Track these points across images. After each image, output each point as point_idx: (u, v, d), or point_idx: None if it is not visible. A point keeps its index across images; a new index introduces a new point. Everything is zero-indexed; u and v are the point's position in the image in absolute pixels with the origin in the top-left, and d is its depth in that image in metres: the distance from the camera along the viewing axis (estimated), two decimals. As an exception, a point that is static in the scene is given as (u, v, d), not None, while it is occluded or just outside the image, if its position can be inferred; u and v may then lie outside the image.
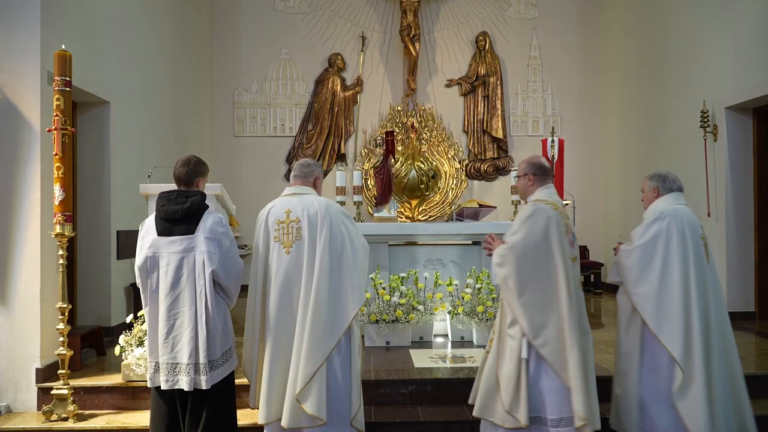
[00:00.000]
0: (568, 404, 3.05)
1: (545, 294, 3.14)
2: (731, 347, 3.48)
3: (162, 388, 3.14)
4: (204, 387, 3.10)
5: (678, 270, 3.38)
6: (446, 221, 7.51)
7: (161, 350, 3.14)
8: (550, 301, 3.13)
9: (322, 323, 3.14)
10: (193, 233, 3.12)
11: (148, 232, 3.21)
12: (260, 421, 3.25)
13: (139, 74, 6.44)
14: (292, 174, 3.46)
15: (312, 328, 3.12)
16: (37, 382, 4.17)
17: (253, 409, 3.40)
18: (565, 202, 6.20)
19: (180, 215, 3.11)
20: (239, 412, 3.49)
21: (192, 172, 3.26)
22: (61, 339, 3.96)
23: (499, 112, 9.55)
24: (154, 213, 3.23)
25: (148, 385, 3.24)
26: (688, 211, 3.55)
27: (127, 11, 6.15)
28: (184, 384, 3.09)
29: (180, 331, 3.11)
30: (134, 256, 6.38)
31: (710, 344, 3.37)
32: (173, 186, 3.26)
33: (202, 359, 3.09)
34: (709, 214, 6.72)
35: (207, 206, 3.21)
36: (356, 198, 6.07)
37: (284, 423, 3.14)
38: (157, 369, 3.16)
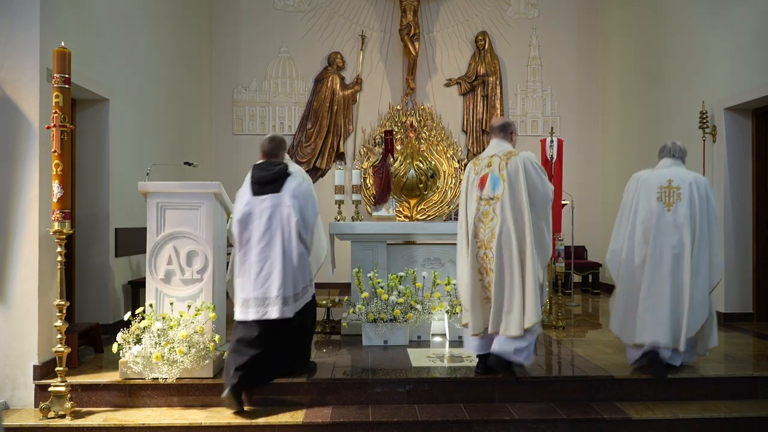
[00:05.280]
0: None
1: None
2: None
3: (251, 318, 3.85)
4: (289, 315, 3.87)
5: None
6: (445, 221, 7.52)
7: (252, 287, 3.87)
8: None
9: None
10: (280, 191, 3.95)
11: (243, 194, 4.02)
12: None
13: (138, 72, 6.43)
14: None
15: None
16: (34, 379, 4.16)
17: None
18: (563, 202, 6.22)
19: (269, 179, 3.98)
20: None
21: (277, 146, 4.15)
22: (59, 336, 3.95)
23: (498, 111, 9.56)
24: (248, 181, 4.04)
25: (237, 318, 3.92)
26: (651, 173, 4.46)
27: (127, 9, 6.14)
28: (273, 313, 3.82)
29: (270, 270, 3.87)
30: (133, 254, 6.42)
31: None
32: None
33: (288, 292, 3.87)
34: None
35: (290, 173, 4.03)
36: (355, 197, 6.07)
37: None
38: (246, 304, 3.87)
